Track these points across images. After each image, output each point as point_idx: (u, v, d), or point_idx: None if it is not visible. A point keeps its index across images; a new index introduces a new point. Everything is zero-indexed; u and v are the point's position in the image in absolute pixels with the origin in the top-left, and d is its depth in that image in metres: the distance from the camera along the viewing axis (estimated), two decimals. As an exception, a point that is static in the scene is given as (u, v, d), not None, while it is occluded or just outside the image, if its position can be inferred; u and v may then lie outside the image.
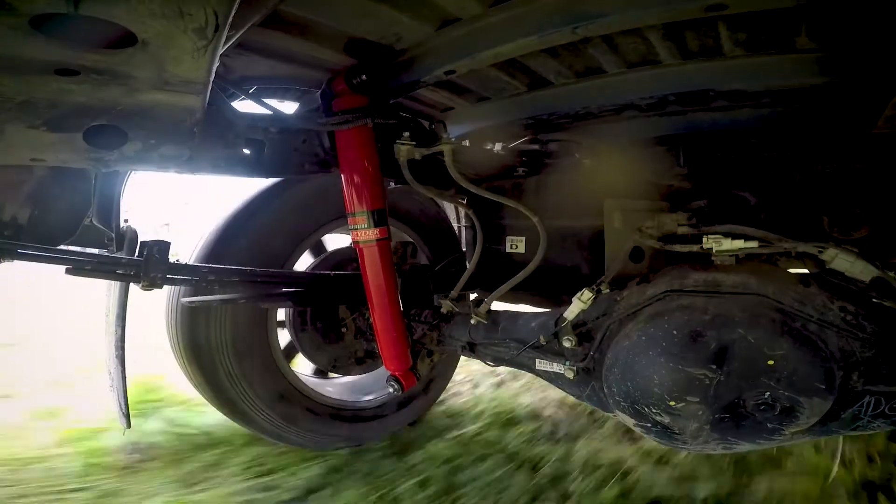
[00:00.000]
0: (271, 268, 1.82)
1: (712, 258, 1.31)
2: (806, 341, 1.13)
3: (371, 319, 1.72)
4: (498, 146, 1.65)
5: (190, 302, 1.67)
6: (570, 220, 1.91)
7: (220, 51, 0.83)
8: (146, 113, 0.98)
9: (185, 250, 1.87)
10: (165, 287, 1.52)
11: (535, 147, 1.79)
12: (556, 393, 2.81)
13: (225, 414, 1.97)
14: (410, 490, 1.93)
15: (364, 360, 2.12)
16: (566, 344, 1.43)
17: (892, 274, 1.13)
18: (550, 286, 1.93)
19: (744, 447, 1.26)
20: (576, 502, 1.86)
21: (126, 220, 1.50)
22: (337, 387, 2.37)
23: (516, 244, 2.10)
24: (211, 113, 1.24)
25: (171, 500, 1.83)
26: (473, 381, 3.15)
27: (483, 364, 1.76)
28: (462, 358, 2.46)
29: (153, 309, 1.99)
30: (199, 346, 1.79)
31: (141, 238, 1.41)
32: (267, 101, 1.48)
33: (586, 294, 1.40)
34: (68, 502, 1.78)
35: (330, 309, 2.00)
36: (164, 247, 1.39)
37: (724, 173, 1.57)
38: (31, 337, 4.06)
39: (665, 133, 1.65)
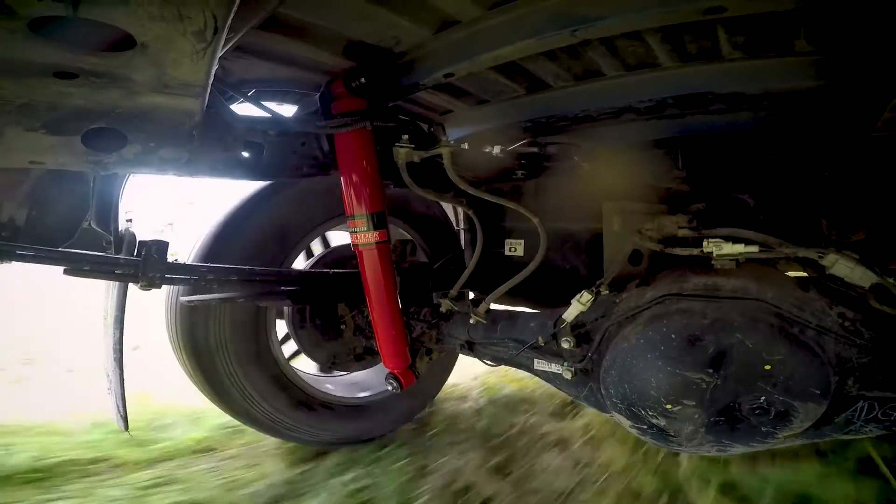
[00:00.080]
0: (270, 266, 1.83)
1: (712, 262, 1.31)
2: (803, 347, 1.14)
3: (370, 318, 1.72)
4: (497, 149, 1.65)
5: (189, 301, 1.67)
6: (569, 223, 1.91)
7: (219, 54, 0.83)
8: (145, 116, 0.97)
9: (187, 249, 1.87)
10: (164, 287, 1.53)
11: (534, 150, 1.79)
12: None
13: (226, 412, 1.98)
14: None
15: (363, 357, 2.13)
16: (564, 345, 1.44)
17: (891, 280, 1.13)
18: (549, 288, 1.93)
19: (738, 450, 1.27)
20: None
21: (129, 220, 1.50)
22: (336, 383, 2.38)
23: (515, 247, 2.11)
24: (210, 116, 1.24)
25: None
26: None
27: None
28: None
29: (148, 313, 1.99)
30: (198, 344, 1.81)
31: (140, 238, 1.41)
32: (266, 103, 1.48)
33: (585, 296, 1.40)
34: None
35: (329, 306, 2.01)
36: (162, 247, 1.39)
37: (722, 176, 1.57)
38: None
39: (664, 136, 1.65)
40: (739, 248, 1.27)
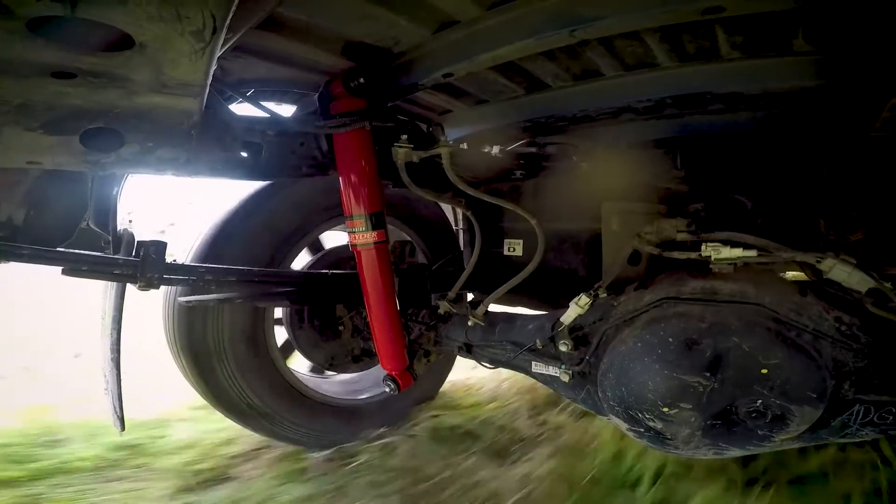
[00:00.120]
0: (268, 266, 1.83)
1: (710, 266, 1.31)
2: (800, 351, 1.14)
3: (368, 319, 1.72)
4: (496, 149, 1.65)
5: (187, 302, 1.67)
6: (568, 223, 1.91)
7: (218, 53, 0.83)
8: (143, 116, 0.97)
9: (186, 249, 1.87)
10: (162, 288, 1.52)
11: (533, 150, 1.79)
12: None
13: (223, 413, 1.98)
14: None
15: (361, 358, 2.12)
16: (562, 348, 1.44)
17: (888, 285, 1.13)
18: (548, 289, 1.93)
19: (734, 452, 1.27)
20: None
21: (130, 221, 1.49)
22: (334, 384, 2.39)
23: (514, 247, 2.11)
24: (208, 116, 1.24)
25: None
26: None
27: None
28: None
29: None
30: (196, 345, 1.80)
31: (139, 238, 1.41)
32: (264, 103, 1.48)
33: (583, 299, 1.40)
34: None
35: (327, 307, 2.01)
36: (160, 247, 1.39)
37: (721, 176, 1.57)
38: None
39: (662, 136, 1.65)
40: (738, 252, 1.27)
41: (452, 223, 2.56)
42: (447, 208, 2.55)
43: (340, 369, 2.17)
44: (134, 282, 1.36)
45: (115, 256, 1.37)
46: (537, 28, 1.13)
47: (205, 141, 1.29)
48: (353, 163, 1.49)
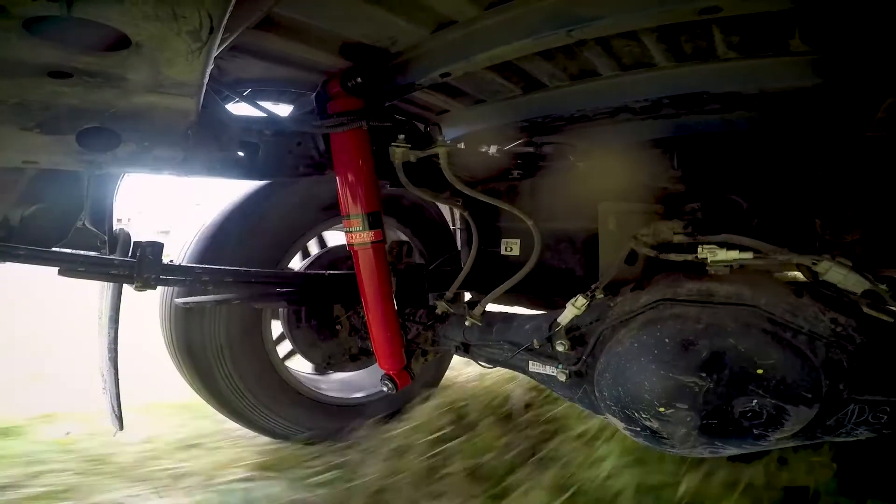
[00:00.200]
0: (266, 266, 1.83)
1: (706, 267, 1.31)
2: (795, 352, 1.14)
3: (366, 319, 1.72)
4: (493, 149, 1.65)
5: (184, 303, 1.67)
6: (565, 223, 1.91)
7: (215, 53, 0.83)
8: (140, 115, 0.97)
9: (181, 250, 1.86)
10: (159, 288, 1.52)
11: (530, 150, 1.79)
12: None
13: (222, 413, 1.98)
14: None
15: (358, 357, 2.13)
16: (559, 348, 1.44)
17: (883, 287, 1.14)
18: (545, 289, 1.93)
19: (730, 451, 1.28)
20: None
21: (130, 220, 1.49)
22: (333, 383, 2.39)
23: (511, 246, 2.11)
24: (205, 115, 1.23)
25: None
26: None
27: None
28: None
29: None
30: (193, 346, 1.80)
31: (135, 239, 1.41)
32: (261, 103, 1.47)
33: (580, 300, 1.40)
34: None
35: (325, 307, 2.00)
36: (157, 248, 1.38)
37: (718, 176, 1.57)
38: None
39: (659, 136, 1.65)
40: (734, 254, 1.27)
41: (450, 223, 2.56)
42: (444, 208, 2.55)
43: (338, 368, 2.18)
44: (131, 282, 1.36)
45: (112, 257, 1.37)
46: (535, 28, 1.13)
47: (201, 140, 1.29)
48: (351, 162, 1.49)
